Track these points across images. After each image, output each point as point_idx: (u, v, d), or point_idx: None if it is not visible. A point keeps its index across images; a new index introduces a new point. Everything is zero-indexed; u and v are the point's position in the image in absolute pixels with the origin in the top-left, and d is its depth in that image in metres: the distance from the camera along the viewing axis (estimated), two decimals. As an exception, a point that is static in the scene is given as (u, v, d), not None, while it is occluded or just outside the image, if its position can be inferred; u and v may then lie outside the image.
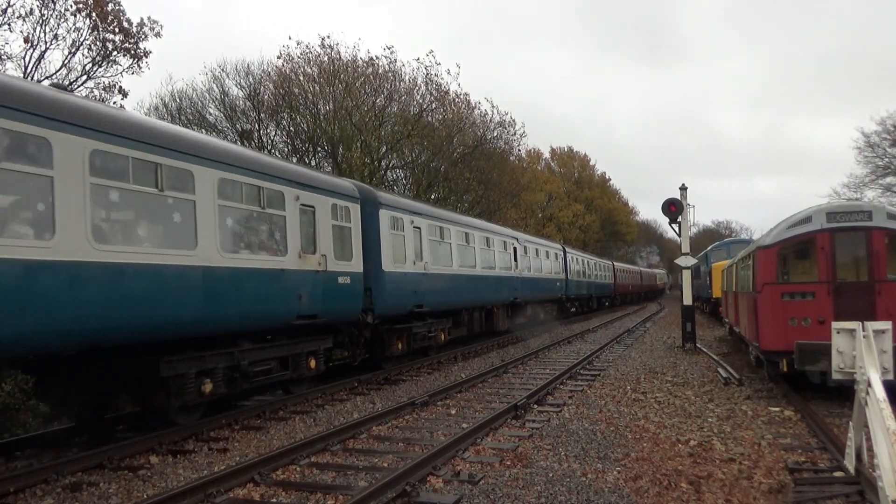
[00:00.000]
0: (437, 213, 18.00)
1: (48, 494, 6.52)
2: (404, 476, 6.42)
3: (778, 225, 11.49)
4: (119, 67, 18.55)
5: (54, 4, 16.66)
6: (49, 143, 6.83)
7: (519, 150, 43.29)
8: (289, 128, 30.10)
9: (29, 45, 16.78)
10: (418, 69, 30.92)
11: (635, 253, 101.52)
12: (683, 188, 20.06)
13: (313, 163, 28.88)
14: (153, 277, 7.94)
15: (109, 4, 17.50)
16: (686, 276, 20.77)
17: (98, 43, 17.63)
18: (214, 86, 28.78)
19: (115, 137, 7.64)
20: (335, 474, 6.98)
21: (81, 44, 17.47)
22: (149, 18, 18.59)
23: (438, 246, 17.12)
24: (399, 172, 33.94)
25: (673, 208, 19.38)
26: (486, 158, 35.64)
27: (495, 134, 36.38)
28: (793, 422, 9.13)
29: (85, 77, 18.18)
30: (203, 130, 26.24)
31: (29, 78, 17.05)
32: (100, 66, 18.18)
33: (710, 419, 9.38)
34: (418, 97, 31.51)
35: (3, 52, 16.44)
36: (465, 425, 8.94)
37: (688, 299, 20.38)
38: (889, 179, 40.10)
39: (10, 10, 16.00)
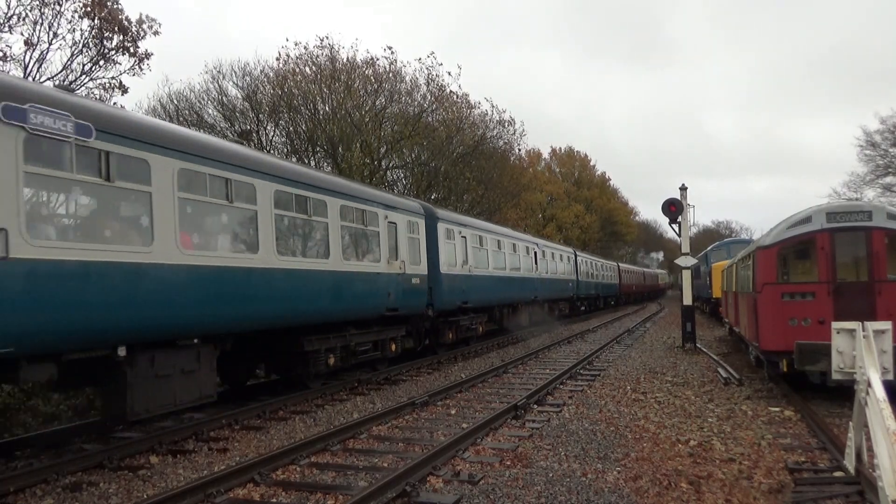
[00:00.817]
0: (477, 224, 21.24)
1: (48, 494, 6.52)
2: (404, 476, 6.42)
3: (778, 225, 11.49)
4: (120, 67, 18.54)
5: (59, 6, 16.65)
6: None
7: (519, 150, 43.31)
8: (288, 128, 30.10)
9: (29, 46, 16.77)
10: (420, 70, 30.95)
11: (635, 253, 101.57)
12: (683, 188, 20.06)
13: (312, 163, 28.86)
14: (306, 278, 10.87)
15: (109, 2, 17.48)
16: (686, 276, 20.77)
17: (98, 43, 17.62)
18: (212, 86, 28.79)
19: (292, 182, 10.88)
20: (335, 474, 6.98)
21: (82, 45, 17.47)
22: (147, 16, 18.57)
23: (478, 252, 20.08)
24: (399, 172, 33.95)
25: (673, 208, 19.38)
26: (486, 158, 35.63)
27: (495, 133, 36.40)
28: (793, 422, 9.13)
29: (85, 77, 18.18)
30: (202, 131, 26.24)
31: (29, 78, 17.06)
32: (100, 66, 18.18)
33: (710, 419, 9.38)
34: (419, 97, 31.54)
35: (3, 52, 16.44)
36: (465, 425, 8.94)
37: (688, 299, 20.38)
38: (889, 179, 40.17)
39: (10, 12, 16.00)
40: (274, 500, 6.28)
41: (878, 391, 5.48)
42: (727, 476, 6.64)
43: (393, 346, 14.60)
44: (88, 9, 17.01)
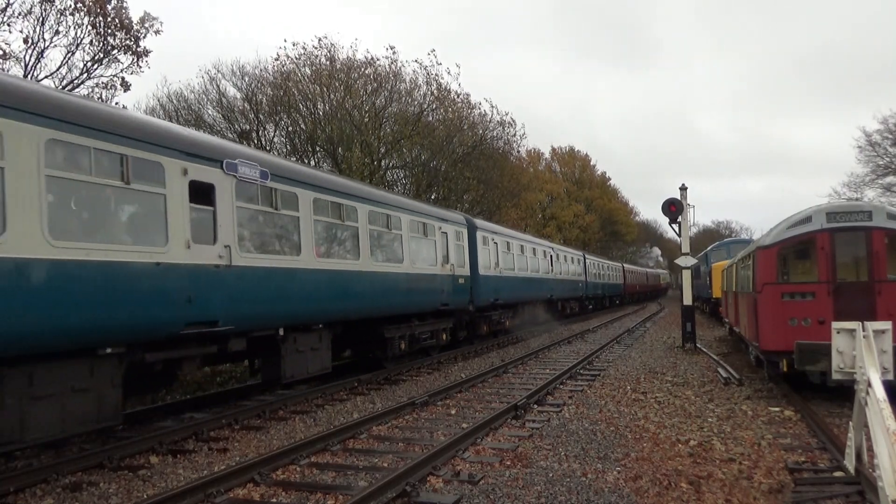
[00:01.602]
0: (505, 231, 24.22)
1: (48, 494, 6.52)
2: (404, 476, 6.42)
3: (778, 225, 11.49)
4: (120, 65, 18.54)
5: (53, 3, 16.63)
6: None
7: (519, 151, 43.30)
8: (287, 128, 30.10)
9: (29, 44, 16.76)
10: (419, 70, 30.93)
11: (635, 253, 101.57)
12: (683, 188, 20.05)
13: (312, 163, 28.86)
14: (389, 279, 13.74)
15: (112, 1, 17.47)
16: (686, 276, 20.77)
17: (99, 41, 17.62)
18: (211, 87, 28.78)
19: (382, 205, 13.98)
20: (335, 474, 6.98)
21: (81, 42, 17.46)
22: (149, 15, 18.57)
23: (506, 255, 22.76)
24: (399, 172, 33.94)
25: (673, 208, 19.38)
26: (486, 158, 35.62)
27: (495, 133, 36.40)
28: (793, 422, 9.13)
29: (85, 75, 18.17)
30: (202, 131, 26.23)
31: (30, 77, 17.05)
32: (100, 64, 18.17)
33: (710, 419, 9.38)
34: (418, 97, 31.53)
35: (3, 51, 16.42)
36: (465, 425, 8.94)
37: (688, 299, 20.37)
38: (889, 179, 40.15)
39: (9, 9, 15.98)
40: (274, 500, 6.28)
41: (878, 391, 5.48)
42: (727, 476, 6.64)
43: (443, 336, 17.50)
44: (90, 4, 17.01)
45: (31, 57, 17.13)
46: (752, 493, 6.15)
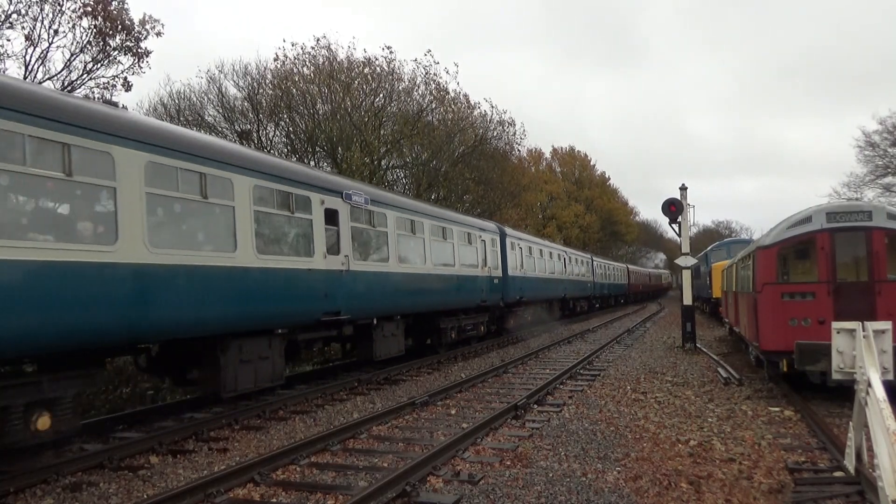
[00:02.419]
0: (528, 237, 27.41)
1: (48, 494, 6.52)
2: (404, 476, 6.42)
3: (778, 225, 11.49)
4: (121, 66, 18.54)
5: (60, 5, 16.63)
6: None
7: (519, 150, 43.27)
8: (288, 128, 30.08)
9: (30, 43, 16.76)
10: (417, 69, 30.92)
11: (636, 253, 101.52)
12: (683, 188, 20.04)
13: (312, 162, 28.85)
14: (446, 279, 16.84)
15: (114, 2, 17.48)
16: (686, 276, 20.76)
17: (100, 42, 17.62)
18: (212, 86, 28.77)
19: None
20: (335, 474, 6.98)
21: (84, 43, 17.46)
22: (150, 17, 18.56)
23: (529, 258, 25.63)
24: (399, 172, 33.92)
25: (673, 208, 19.37)
26: (486, 158, 35.61)
27: (495, 134, 36.37)
28: (793, 422, 9.13)
29: (86, 76, 18.17)
30: (202, 131, 26.23)
31: (31, 77, 17.05)
32: (101, 65, 18.18)
33: (710, 419, 9.38)
34: (418, 96, 31.50)
35: (4, 51, 16.42)
36: (465, 425, 8.94)
37: (688, 299, 20.36)
38: (889, 179, 40.16)
39: (10, 8, 15.98)
40: (274, 500, 6.28)
41: (878, 391, 5.48)
42: (727, 476, 6.64)
43: (482, 328, 20.51)
44: (90, 7, 17.01)
45: (31, 58, 17.14)
46: (752, 493, 6.15)
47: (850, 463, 6.46)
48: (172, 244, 8.15)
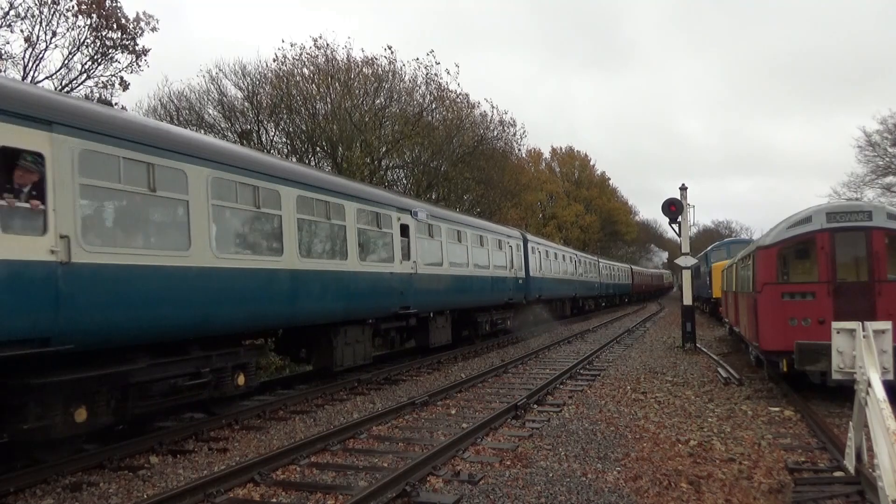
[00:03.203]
0: (546, 242, 31.02)
1: (48, 494, 6.52)
2: (404, 476, 6.42)
3: (778, 225, 11.49)
4: (118, 65, 18.55)
5: (56, 5, 16.63)
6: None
7: (519, 151, 43.25)
8: (288, 128, 30.04)
9: (28, 44, 16.76)
10: (418, 69, 30.90)
11: (636, 253, 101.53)
12: (683, 188, 20.05)
13: (312, 162, 28.84)
14: (481, 279, 19.72)
15: (108, 1, 17.49)
16: (686, 276, 20.77)
17: (98, 41, 17.63)
18: (212, 86, 28.72)
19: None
20: (335, 474, 6.98)
21: (82, 43, 17.46)
22: (144, 13, 18.60)
23: (546, 261, 28.67)
24: (399, 172, 33.91)
25: (673, 208, 19.38)
26: (486, 159, 35.60)
27: (495, 134, 36.36)
28: (793, 422, 9.13)
29: (84, 76, 18.17)
30: (202, 131, 26.21)
31: (29, 78, 17.05)
32: (99, 64, 18.18)
33: (710, 419, 9.38)
34: (418, 97, 31.48)
35: (2, 51, 16.42)
36: (465, 425, 8.93)
37: (688, 299, 20.37)
38: (889, 179, 40.18)
39: (10, 9, 15.98)
40: (274, 500, 6.28)
41: (878, 391, 5.48)
42: (727, 476, 6.64)
43: (508, 322, 23.34)
44: (85, 6, 17.02)
45: (29, 58, 17.13)
46: (752, 493, 6.15)
47: (850, 463, 6.45)
48: (318, 255, 11.35)
